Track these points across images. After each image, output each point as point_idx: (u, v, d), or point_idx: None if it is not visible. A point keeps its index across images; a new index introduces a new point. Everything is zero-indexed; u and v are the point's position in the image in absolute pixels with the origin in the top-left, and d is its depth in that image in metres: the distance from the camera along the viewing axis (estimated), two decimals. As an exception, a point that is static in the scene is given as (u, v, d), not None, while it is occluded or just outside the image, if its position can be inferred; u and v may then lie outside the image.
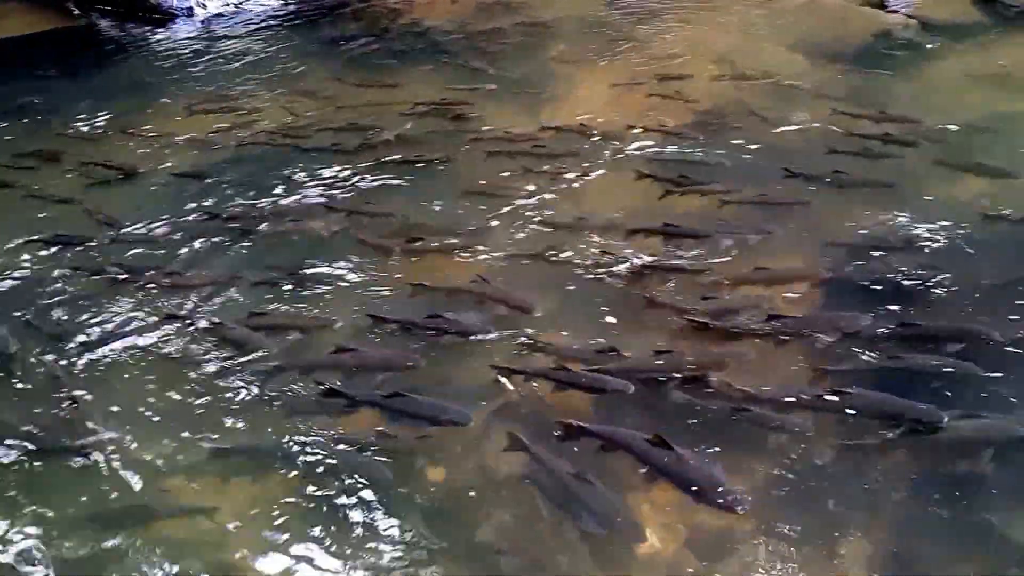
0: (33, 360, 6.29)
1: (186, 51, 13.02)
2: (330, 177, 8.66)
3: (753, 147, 8.50)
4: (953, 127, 8.48)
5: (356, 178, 8.61)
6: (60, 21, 13.98)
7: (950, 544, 4.50)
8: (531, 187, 8.01)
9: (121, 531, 4.87)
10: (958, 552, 4.47)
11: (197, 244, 7.65)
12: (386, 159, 8.85)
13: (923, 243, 6.72)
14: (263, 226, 7.83)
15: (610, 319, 6.21)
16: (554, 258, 6.92)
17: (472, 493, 4.95)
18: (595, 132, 9.03)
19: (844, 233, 6.94)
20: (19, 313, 6.86)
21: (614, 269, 6.71)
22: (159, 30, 14.04)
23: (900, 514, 4.64)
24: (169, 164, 9.33)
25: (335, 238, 7.54)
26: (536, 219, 7.51)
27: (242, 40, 13.23)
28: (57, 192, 8.85)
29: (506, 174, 8.32)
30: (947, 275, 6.27)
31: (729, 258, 6.73)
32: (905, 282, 6.26)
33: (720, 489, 4.54)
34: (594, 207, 7.68)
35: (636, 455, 4.86)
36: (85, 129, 10.44)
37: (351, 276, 6.95)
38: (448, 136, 9.33)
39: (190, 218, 8.12)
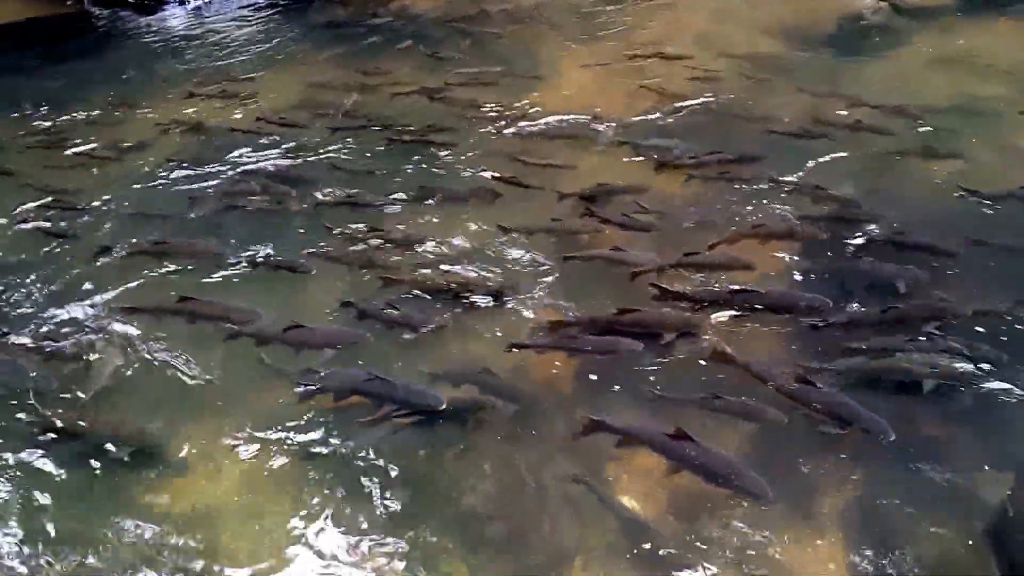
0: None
1: (178, 37, 13.28)
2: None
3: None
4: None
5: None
6: (52, 8, 14.05)
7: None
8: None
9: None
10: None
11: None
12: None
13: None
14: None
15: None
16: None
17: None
18: (583, 114, 9.43)
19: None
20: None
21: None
22: (151, 17, 14.26)
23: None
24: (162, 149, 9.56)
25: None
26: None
27: (233, 27, 13.49)
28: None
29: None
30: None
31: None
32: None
33: (746, 479, 4.76)
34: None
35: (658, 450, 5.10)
36: (80, 116, 10.61)
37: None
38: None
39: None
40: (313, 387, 5.67)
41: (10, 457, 5.42)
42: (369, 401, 5.53)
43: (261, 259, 7.16)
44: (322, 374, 5.78)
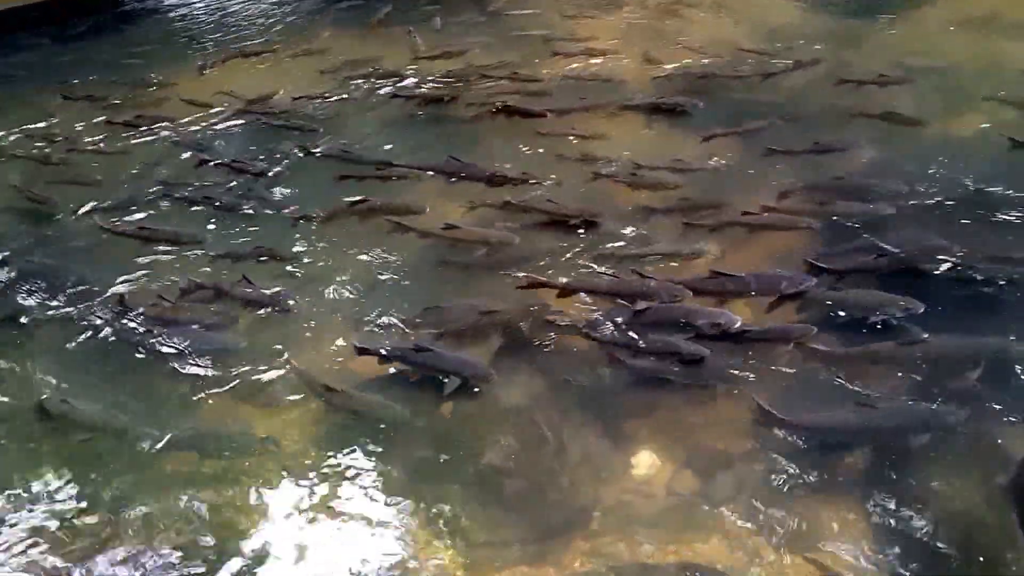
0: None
1: (192, 15, 13.27)
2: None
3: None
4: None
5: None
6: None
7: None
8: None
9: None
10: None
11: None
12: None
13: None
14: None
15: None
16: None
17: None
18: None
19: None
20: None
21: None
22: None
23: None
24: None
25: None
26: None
27: (245, 2, 13.47)
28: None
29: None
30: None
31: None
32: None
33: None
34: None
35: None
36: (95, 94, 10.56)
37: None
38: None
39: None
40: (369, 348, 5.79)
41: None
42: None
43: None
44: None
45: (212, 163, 8.55)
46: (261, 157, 8.58)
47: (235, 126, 9.40)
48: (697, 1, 11.65)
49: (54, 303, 6.64)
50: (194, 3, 13.56)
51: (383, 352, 5.72)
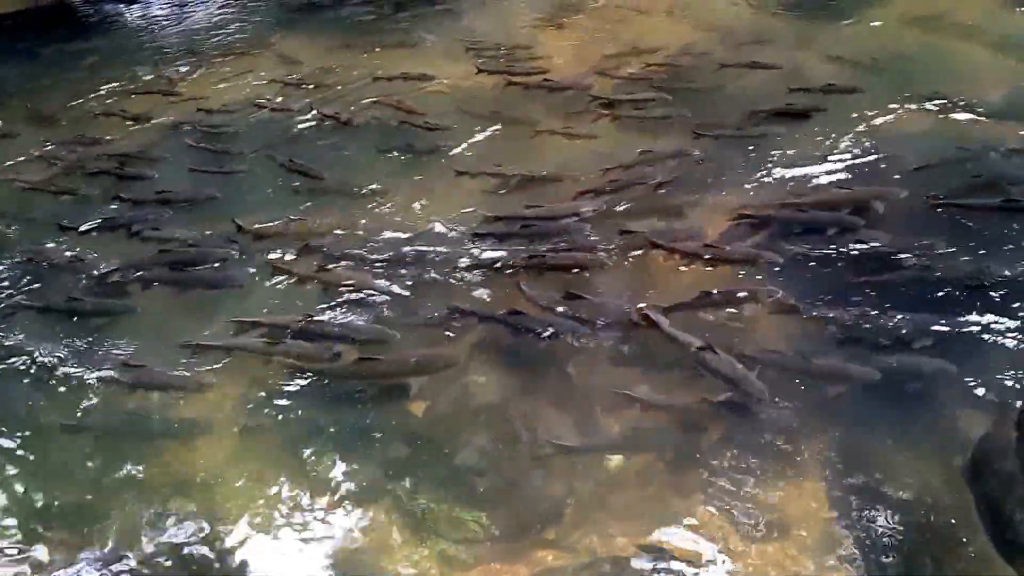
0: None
1: (160, 25, 13.26)
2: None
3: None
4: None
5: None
6: (28, 2, 14.02)
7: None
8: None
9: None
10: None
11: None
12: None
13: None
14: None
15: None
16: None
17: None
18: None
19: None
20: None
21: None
22: (133, 7, 14.22)
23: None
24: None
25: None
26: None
27: (214, 12, 13.47)
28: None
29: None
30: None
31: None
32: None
33: None
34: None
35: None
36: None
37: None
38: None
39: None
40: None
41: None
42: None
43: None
44: None
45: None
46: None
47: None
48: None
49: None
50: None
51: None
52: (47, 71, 11.78)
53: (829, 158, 7.48)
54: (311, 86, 10.34)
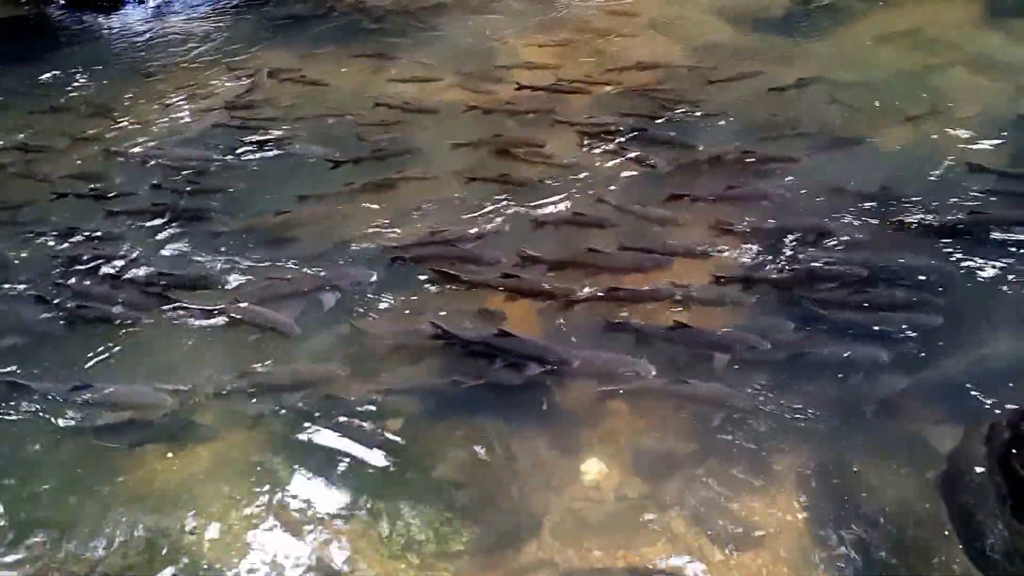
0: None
1: (140, 36, 13.22)
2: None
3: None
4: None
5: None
6: (8, 11, 13.92)
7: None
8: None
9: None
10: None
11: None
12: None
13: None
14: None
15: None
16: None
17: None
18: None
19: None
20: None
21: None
22: (112, 17, 14.17)
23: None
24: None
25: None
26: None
27: (194, 24, 13.45)
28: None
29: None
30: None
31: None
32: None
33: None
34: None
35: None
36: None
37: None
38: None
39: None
40: None
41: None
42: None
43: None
44: None
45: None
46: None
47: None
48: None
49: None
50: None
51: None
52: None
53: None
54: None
